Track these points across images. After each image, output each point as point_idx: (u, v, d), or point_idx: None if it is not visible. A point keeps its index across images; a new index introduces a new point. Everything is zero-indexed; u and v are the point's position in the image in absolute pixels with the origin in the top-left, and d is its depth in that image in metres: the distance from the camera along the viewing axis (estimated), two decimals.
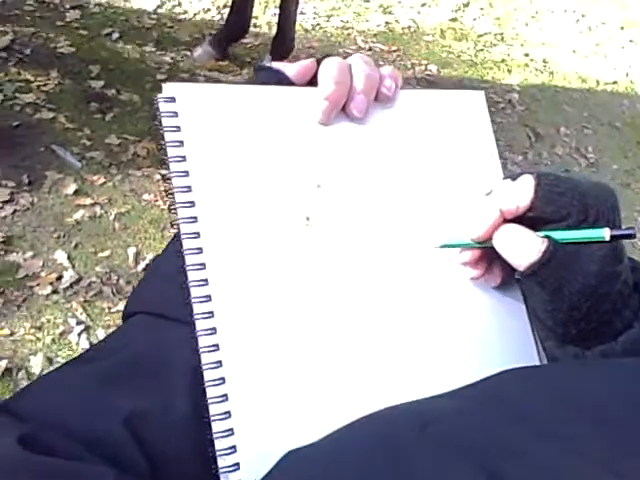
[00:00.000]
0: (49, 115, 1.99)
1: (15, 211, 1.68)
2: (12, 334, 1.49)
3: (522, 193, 0.41)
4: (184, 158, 0.40)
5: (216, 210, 0.39)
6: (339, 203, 0.43)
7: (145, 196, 1.84)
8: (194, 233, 0.39)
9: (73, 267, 1.64)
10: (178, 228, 0.39)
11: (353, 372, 0.40)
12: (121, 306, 1.54)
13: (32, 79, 2.08)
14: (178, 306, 0.38)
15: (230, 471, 0.36)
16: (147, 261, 1.70)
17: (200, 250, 0.39)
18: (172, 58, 2.48)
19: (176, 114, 0.40)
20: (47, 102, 2.03)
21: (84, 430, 0.36)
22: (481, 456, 0.29)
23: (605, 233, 0.39)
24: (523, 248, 0.41)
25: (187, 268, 0.38)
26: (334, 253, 0.42)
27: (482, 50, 3.24)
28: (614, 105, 3.12)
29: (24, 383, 1.43)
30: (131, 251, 1.71)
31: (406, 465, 0.30)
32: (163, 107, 0.40)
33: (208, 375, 0.37)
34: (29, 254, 1.62)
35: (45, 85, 2.10)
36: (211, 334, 0.37)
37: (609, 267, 0.40)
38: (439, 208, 0.46)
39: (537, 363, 0.47)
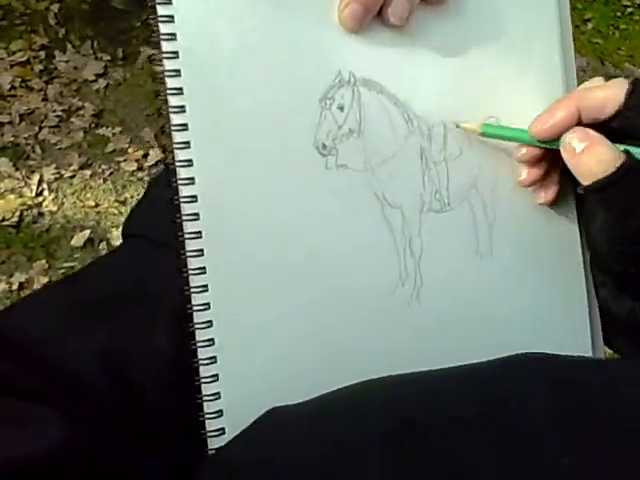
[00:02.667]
0: None
1: (108, 85, 1.70)
2: (97, 206, 1.56)
3: (610, 95, 0.36)
4: (179, 72, 0.34)
5: (213, 132, 0.35)
6: (364, 126, 0.37)
7: None
8: (187, 160, 0.34)
9: (159, 146, 1.66)
10: (173, 160, 0.35)
11: (357, 333, 0.37)
12: None
13: None
14: (171, 232, 0.35)
15: (213, 418, 0.35)
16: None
17: (192, 180, 0.35)
18: None
19: (172, 19, 0.34)
20: None
21: (58, 361, 0.35)
22: None
23: None
24: (595, 158, 0.35)
25: (180, 199, 0.35)
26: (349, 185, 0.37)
27: None
28: None
29: (104, 253, 1.51)
30: None
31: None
32: (160, 11, 0.34)
33: (196, 317, 0.35)
34: (118, 129, 1.65)
35: None
36: (200, 274, 0.35)
37: None
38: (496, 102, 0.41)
39: (585, 313, 0.41)
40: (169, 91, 0.33)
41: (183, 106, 0.34)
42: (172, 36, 0.34)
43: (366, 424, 0.29)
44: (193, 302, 0.34)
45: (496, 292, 0.40)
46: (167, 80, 0.34)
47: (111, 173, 1.60)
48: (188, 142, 0.34)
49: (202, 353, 0.34)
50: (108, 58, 1.73)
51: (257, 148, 0.35)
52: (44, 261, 1.46)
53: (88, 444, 0.31)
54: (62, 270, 1.46)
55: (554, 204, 0.41)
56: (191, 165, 0.34)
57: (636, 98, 0.35)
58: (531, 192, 0.41)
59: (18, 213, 1.50)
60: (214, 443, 0.34)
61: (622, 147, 0.36)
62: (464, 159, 0.39)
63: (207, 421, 0.34)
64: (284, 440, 0.30)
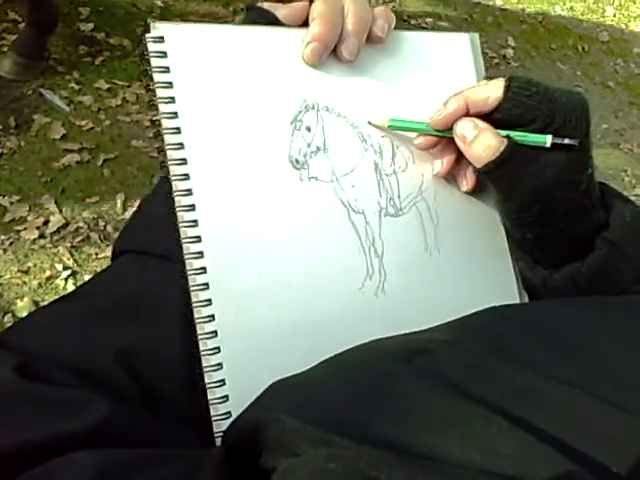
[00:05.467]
0: None
1: (2, 154, 1.66)
2: None
3: (491, 92, 0.42)
4: (173, 99, 0.40)
5: (206, 151, 0.40)
6: (328, 144, 0.43)
7: (134, 142, 1.82)
8: (184, 175, 0.39)
9: (60, 212, 1.64)
10: (167, 170, 0.39)
11: (345, 304, 0.42)
12: (108, 252, 1.54)
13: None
14: (165, 244, 0.39)
15: (219, 403, 0.38)
16: (135, 208, 1.70)
17: (190, 192, 0.39)
18: (163, 2, 2.42)
19: (165, 54, 0.40)
20: None
21: (76, 361, 0.37)
22: (467, 388, 0.30)
23: (547, 139, 0.41)
24: (483, 144, 0.41)
25: (177, 209, 0.39)
26: (322, 196, 0.43)
27: (479, 3, 3.17)
28: (608, 64, 3.07)
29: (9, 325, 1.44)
30: (119, 197, 1.70)
31: (391, 396, 0.30)
32: (152, 47, 0.40)
33: (198, 313, 0.38)
34: (15, 198, 1.61)
35: None
36: (201, 273, 0.39)
37: (565, 174, 0.41)
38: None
39: (515, 291, 0.48)
40: (164, 117, 0.39)
41: (179, 127, 0.39)
42: (169, 84, 0.40)
43: (379, 356, 0.33)
44: (194, 299, 0.38)
45: (446, 283, 0.45)
46: (161, 106, 0.39)
47: (11, 243, 1.55)
48: (185, 159, 0.39)
49: (206, 344, 0.38)
50: (0, 128, 1.70)
51: (244, 164, 0.40)
52: None
53: (121, 425, 0.33)
54: None
55: (480, 196, 0.47)
56: (187, 179, 0.39)
57: (512, 93, 0.41)
58: (463, 195, 0.47)
59: None
60: (221, 426, 0.37)
61: (505, 132, 0.42)
62: (410, 171, 0.45)
63: (214, 406, 0.37)
64: (299, 388, 0.33)
